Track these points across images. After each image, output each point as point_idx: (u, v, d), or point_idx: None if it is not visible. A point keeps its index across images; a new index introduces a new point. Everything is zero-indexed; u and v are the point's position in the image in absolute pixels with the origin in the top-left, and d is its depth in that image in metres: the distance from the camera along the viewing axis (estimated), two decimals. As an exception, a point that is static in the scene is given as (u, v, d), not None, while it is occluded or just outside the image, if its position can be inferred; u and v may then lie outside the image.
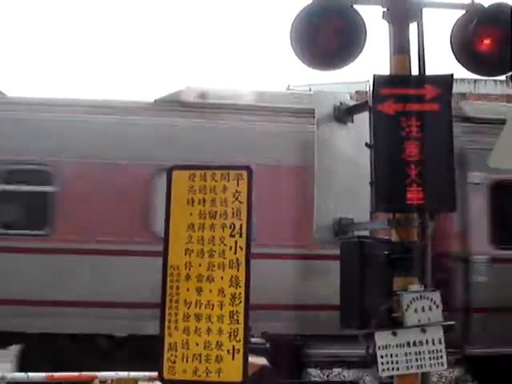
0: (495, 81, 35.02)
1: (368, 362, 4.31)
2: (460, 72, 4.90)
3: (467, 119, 9.46)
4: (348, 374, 9.62)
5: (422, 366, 4.28)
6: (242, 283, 4.17)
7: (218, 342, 4.12)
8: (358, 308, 4.44)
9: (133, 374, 6.15)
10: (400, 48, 4.64)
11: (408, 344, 4.26)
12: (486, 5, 4.71)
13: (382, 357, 4.23)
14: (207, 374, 4.10)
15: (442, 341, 4.32)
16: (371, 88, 4.41)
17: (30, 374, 6.39)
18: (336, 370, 9.61)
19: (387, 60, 4.70)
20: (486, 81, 34.38)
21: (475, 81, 33.45)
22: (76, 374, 6.27)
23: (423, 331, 4.28)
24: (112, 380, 5.80)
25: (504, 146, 5.05)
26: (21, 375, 6.59)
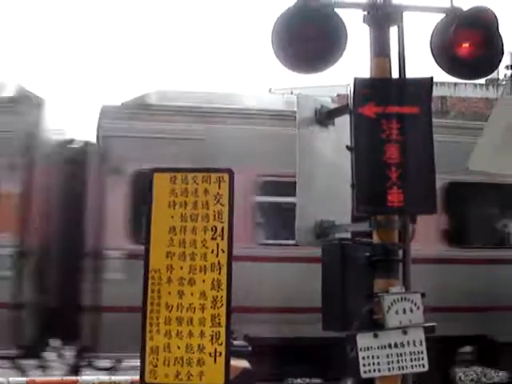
0: (475, 84, 35.39)
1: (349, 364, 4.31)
2: (440, 75, 4.93)
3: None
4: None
5: (403, 367, 4.30)
6: (224, 286, 4.16)
7: (199, 346, 4.11)
8: (339, 310, 4.46)
9: (114, 378, 6.12)
10: (380, 51, 4.66)
11: (389, 346, 4.27)
12: (465, 8, 4.75)
13: (363, 358, 4.24)
14: (189, 377, 4.09)
15: (423, 342, 4.33)
16: (352, 91, 4.44)
17: (11, 379, 6.32)
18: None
19: (368, 63, 4.73)
20: (465, 84, 34.74)
21: (455, 84, 33.77)
22: (58, 378, 6.22)
23: (404, 333, 4.30)
24: (93, 384, 5.77)
25: (483, 149, 5.10)
26: (0, 380, 6.52)
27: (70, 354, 9.39)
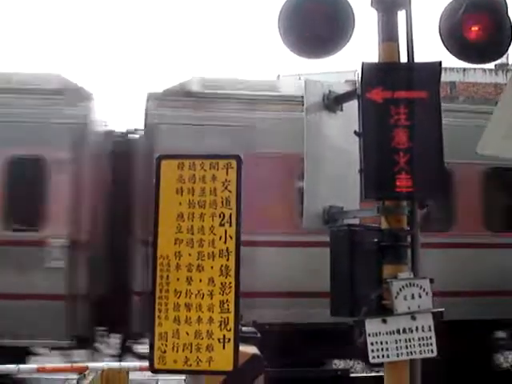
0: (484, 69, 35.14)
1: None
2: (449, 61, 4.90)
3: None
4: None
5: (411, 352, 4.30)
6: (232, 272, 4.16)
7: (208, 331, 4.11)
8: (348, 296, 4.45)
9: (124, 364, 6.16)
10: (388, 36, 4.63)
11: (398, 331, 4.28)
12: (474, -9, 4.70)
13: (372, 344, 4.25)
14: (198, 363, 4.10)
15: (432, 328, 4.34)
16: (360, 76, 4.41)
17: (21, 366, 6.37)
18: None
19: (376, 48, 4.69)
20: (474, 69, 34.49)
21: (464, 69, 33.54)
22: (68, 365, 6.26)
23: (413, 318, 4.30)
24: (103, 370, 5.79)
25: (492, 134, 5.06)
26: (11, 367, 6.56)
27: (118, 341, 9.50)
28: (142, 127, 9.81)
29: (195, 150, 7.28)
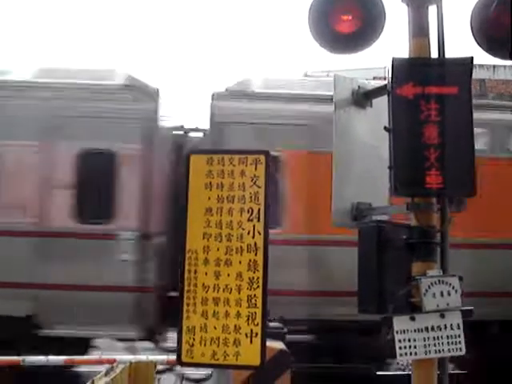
0: (514, 67, 34.67)
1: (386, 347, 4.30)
2: (479, 58, 4.83)
3: None
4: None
5: (440, 350, 4.27)
6: (260, 267, 4.16)
7: (235, 326, 4.12)
8: (376, 292, 4.43)
9: (151, 357, 6.20)
10: (419, 31, 4.59)
11: (426, 329, 4.25)
12: (506, -13, 4.64)
13: (399, 341, 4.22)
14: (225, 357, 4.11)
15: (461, 326, 4.29)
16: (390, 71, 4.38)
17: (50, 358, 6.45)
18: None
19: (406, 44, 4.66)
20: (505, 66, 34.06)
21: (494, 66, 33.16)
22: (96, 357, 6.33)
23: (442, 316, 4.26)
24: (131, 363, 5.84)
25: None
26: (40, 359, 6.66)
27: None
28: (207, 124, 9.93)
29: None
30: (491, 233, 9.29)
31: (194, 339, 4.15)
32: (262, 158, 4.29)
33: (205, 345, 4.14)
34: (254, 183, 4.26)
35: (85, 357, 7.27)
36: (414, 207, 4.41)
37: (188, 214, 4.29)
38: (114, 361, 6.02)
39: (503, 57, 5.01)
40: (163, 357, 6.02)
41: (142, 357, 6.21)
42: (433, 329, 4.26)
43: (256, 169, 4.28)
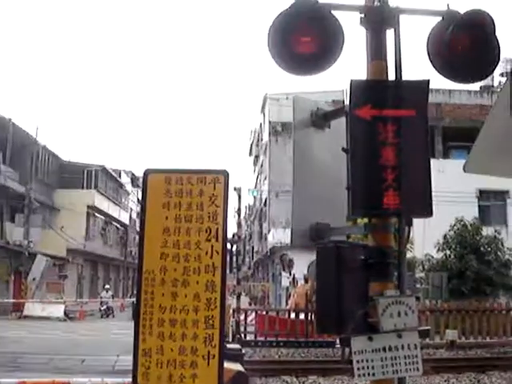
0: (469, 91, 35.55)
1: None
2: (435, 82, 4.92)
3: None
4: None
5: (397, 371, 4.27)
6: (218, 288, 4.14)
7: (192, 348, 4.07)
8: (334, 313, 4.42)
9: (107, 379, 6.07)
10: (377, 54, 4.65)
11: (384, 349, 4.25)
12: (462, 12, 4.74)
13: (358, 362, 4.22)
14: (182, 379, 4.06)
15: (418, 346, 4.31)
16: (348, 93, 4.42)
17: (1, 380, 6.27)
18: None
19: (364, 66, 4.71)
20: (460, 91, 34.88)
21: (450, 91, 33.93)
22: (49, 380, 6.17)
23: (399, 336, 4.27)
24: (85, 387, 5.71)
25: (479, 153, 5.08)
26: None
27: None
28: None
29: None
30: None
31: (150, 362, 4.09)
32: (221, 177, 4.29)
33: (161, 367, 4.08)
34: (213, 203, 4.25)
35: (38, 379, 7.05)
36: (371, 228, 4.44)
37: (145, 234, 4.24)
38: (68, 383, 5.88)
39: (460, 81, 5.11)
40: (119, 379, 5.89)
41: (97, 379, 6.07)
42: (390, 349, 4.27)
43: (215, 188, 4.27)
